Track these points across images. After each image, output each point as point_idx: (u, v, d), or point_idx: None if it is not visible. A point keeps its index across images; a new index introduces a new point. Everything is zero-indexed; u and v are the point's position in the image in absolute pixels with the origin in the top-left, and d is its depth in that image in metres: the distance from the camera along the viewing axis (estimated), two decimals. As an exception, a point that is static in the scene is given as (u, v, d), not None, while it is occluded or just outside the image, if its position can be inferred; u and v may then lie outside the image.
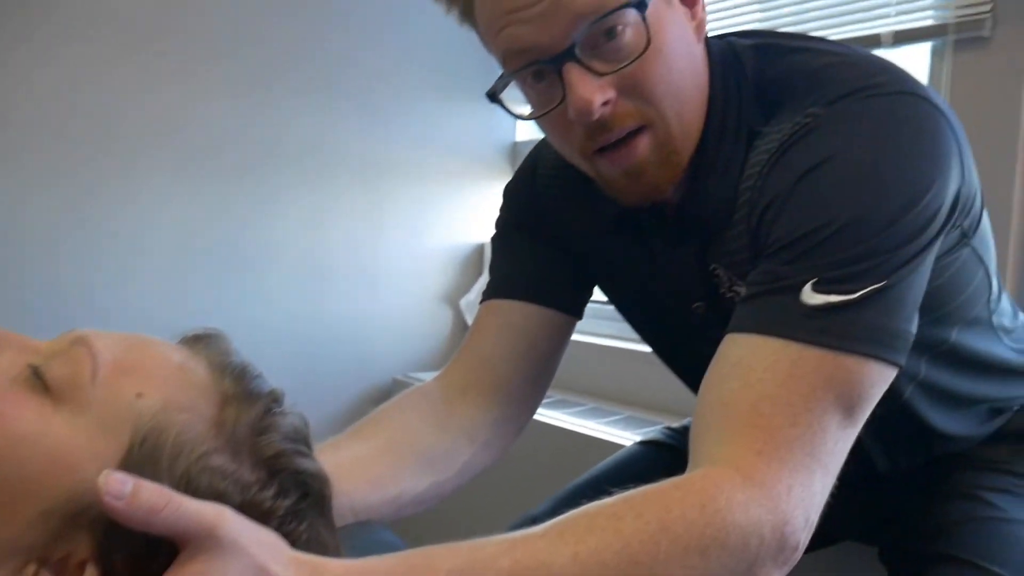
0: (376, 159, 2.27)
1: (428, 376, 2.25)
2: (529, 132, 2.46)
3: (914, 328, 0.66)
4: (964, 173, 0.70)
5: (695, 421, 0.66)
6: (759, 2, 1.84)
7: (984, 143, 1.52)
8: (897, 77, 0.71)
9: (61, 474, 0.49)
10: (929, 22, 1.57)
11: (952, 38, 1.53)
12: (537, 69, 0.71)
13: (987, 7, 1.49)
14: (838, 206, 0.64)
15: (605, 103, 0.70)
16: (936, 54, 1.59)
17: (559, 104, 0.71)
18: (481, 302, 0.97)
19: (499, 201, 1.01)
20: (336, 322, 2.23)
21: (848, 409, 0.62)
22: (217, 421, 0.54)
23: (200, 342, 0.60)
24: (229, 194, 2.04)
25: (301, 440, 0.60)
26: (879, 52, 1.59)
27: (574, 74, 0.69)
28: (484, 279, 2.44)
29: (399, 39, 2.27)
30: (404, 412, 0.88)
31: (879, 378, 0.64)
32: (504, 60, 0.74)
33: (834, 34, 1.69)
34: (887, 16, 1.62)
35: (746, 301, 0.67)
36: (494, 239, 1.00)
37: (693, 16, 0.75)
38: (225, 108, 2.01)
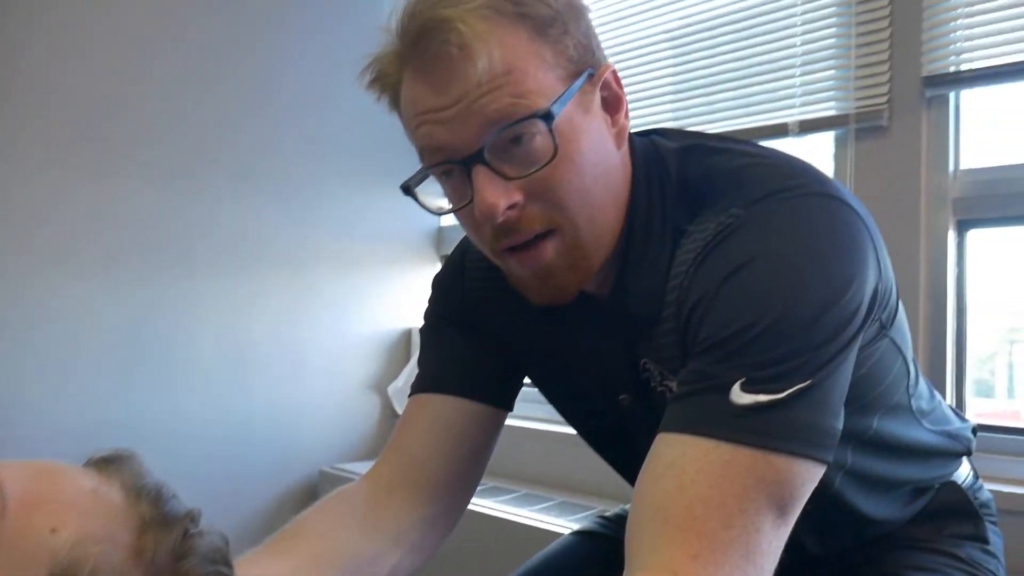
0: (300, 247, 2.25)
1: (357, 467, 2.22)
2: (454, 218, 2.48)
3: (840, 424, 0.67)
4: (880, 269, 0.73)
5: (630, 522, 0.65)
6: (672, 94, 1.92)
7: (888, 227, 1.59)
8: (814, 178, 0.73)
9: None
10: (831, 112, 1.66)
11: (853, 127, 1.62)
12: (449, 168, 0.73)
13: (884, 99, 1.58)
14: (763, 306, 0.65)
15: (512, 207, 0.71)
16: (840, 142, 1.67)
17: (469, 202, 0.72)
18: (410, 395, 0.96)
19: (426, 288, 1.00)
20: (262, 413, 2.18)
21: (781, 508, 0.63)
22: (136, 549, 0.52)
23: (112, 464, 0.57)
24: (154, 288, 2.00)
25: (221, 560, 0.57)
26: (786, 140, 1.69)
27: (481, 177, 0.70)
28: (412, 365, 2.43)
29: (319, 127, 2.29)
30: (326, 519, 0.85)
31: (809, 476, 0.64)
32: (420, 154, 0.75)
33: (743, 124, 1.78)
34: (792, 107, 1.71)
35: (677, 400, 0.68)
36: (423, 331, 1.00)
37: (614, 123, 0.77)
38: (148, 203, 1.99)
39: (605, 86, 0.76)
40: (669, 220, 0.77)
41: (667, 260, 0.76)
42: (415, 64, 0.71)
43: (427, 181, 0.79)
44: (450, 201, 0.78)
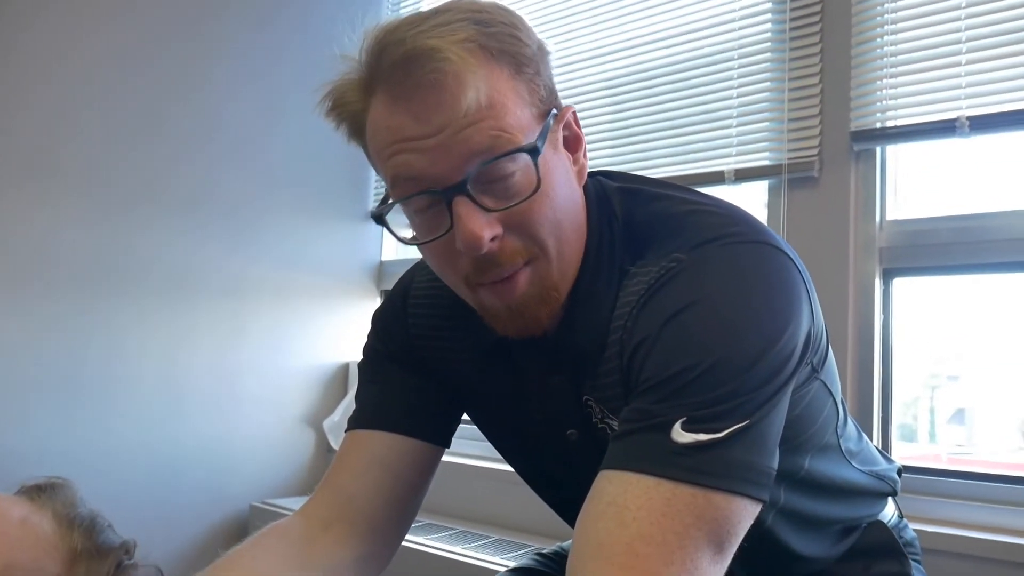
0: (239, 280, 2.23)
1: (288, 502, 2.18)
2: (396, 252, 2.49)
3: (775, 463, 0.69)
4: (813, 314, 0.76)
5: (571, 558, 0.66)
6: (610, 140, 1.97)
7: (818, 273, 1.65)
8: (752, 227, 0.76)
9: None
10: (765, 162, 1.72)
11: (786, 177, 1.69)
12: (426, 198, 0.72)
13: (814, 151, 1.65)
14: (704, 348, 0.67)
15: (493, 238, 0.71)
16: (773, 191, 1.74)
17: (445, 233, 0.72)
18: (347, 431, 0.95)
19: (365, 322, 1.00)
20: (195, 444, 2.13)
21: (719, 544, 0.64)
22: None
23: (44, 493, 0.55)
24: (92, 317, 1.97)
25: (155, 594, 0.56)
26: (722, 188, 1.74)
27: (464, 208, 0.70)
28: (349, 400, 2.40)
29: (262, 161, 2.28)
30: (260, 555, 0.83)
31: (746, 514, 0.66)
32: (392, 183, 0.73)
33: (681, 170, 1.83)
34: (728, 156, 1.77)
35: (619, 438, 0.69)
36: (362, 365, 0.99)
37: (575, 162, 0.79)
38: (87, 235, 1.96)
39: (567, 126, 0.78)
40: (616, 260, 0.79)
41: (612, 299, 0.78)
42: (394, 91, 0.70)
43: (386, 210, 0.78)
44: (418, 232, 0.76)
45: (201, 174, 2.16)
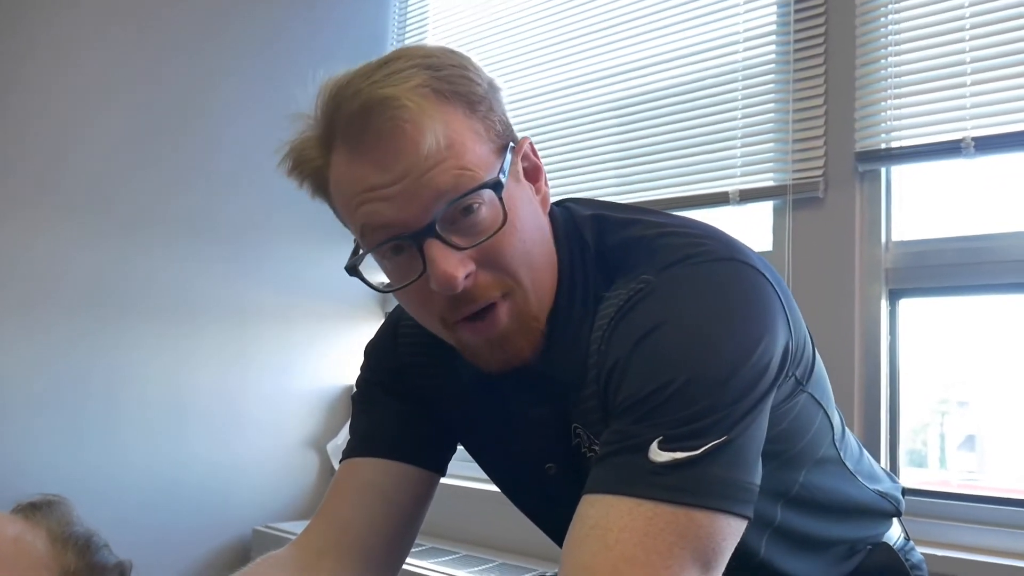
0: (243, 303, 2.23)
1: (292, 526, 2.17)
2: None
3: (758, 479, 0.68)
4: (791, 327, 0.75)
5: None
6: (617, 161, 1.97)
7: (823, 294, 1.65)
8: (724, 244, 0.76)
9: None
10: (770, 183, 1.72)
11: (791, 198, 1.68)
12: (397, 244, 0.73)
13: (819, 172, 1.65)
14: (676, 366, 0.67)
15: (467, 276, 0.72)
16: (778, 212, 1.73)
17: (419, 276, 0.72)
18: (340, 461, 0.94)
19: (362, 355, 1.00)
20: (198, 467, 2.13)
21: (705, 563, 0.63)
22: None
23: (39, 511, 0.55)
24: (96, 340, 1.97)
25: (148, 615, 0.55)
26: (727, 209, 1.74)
27: (435, 249, 0.70)
28: (353, 422, 2.38)
29: (266, 184, 2.28)
30: None
31: (730, 531, 0.65)
32: (362, 233, 0.74)
33: (686, 191, 1.83)
34: (733, 176, 1.77)
35: (599, 461, 0.68)
36: (354, 397, 0.99)
37: (537, 191, 0.80)
38: (93, 258, 1.97)
39: (525, 157, 0.80)
40: (591, 287, 0.79)
41: (589, 326, 0.78)
42: (354, 143, 0.72)
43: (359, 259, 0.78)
44: (392, 278, 0.77)
45: (205, 197, 2.17)
